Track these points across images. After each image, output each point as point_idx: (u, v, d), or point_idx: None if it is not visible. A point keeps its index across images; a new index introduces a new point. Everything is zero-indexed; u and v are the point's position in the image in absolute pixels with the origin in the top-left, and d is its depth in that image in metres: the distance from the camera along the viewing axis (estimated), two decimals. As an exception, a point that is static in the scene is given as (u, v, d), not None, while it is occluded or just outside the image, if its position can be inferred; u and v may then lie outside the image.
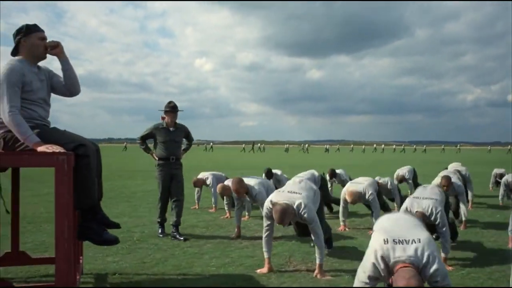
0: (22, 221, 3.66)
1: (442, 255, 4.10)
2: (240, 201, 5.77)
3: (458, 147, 78.63)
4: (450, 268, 4.15)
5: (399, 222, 2.93)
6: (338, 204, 6.52)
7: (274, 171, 8.50)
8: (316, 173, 7.11)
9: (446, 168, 8.99)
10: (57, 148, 2.58)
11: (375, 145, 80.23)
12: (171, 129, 5.56)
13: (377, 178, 7.03)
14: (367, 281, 2.57)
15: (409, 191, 9.02)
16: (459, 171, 8.07)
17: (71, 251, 2.46)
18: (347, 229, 6.19)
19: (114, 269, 4.16)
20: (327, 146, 70.46)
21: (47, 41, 2.97)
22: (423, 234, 2.67)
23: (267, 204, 4.16)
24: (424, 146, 76.68)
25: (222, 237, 5.63)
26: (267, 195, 5.39)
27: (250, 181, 5.60)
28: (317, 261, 4.00)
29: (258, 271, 4.10)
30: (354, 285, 2.67)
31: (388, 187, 7.24)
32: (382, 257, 2.52)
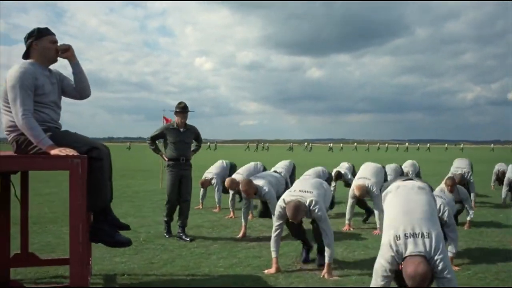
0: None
1: (449, 255, 4.05)
2: (248, 200, 5.81)
3: (462, 146, 78.54)
4: (456, 268, 4.17)
5: (411, 206, 2.95)
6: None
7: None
8: (323, 169, 7.33)
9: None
10: (70, 151, 2.60)
11: (378, 144, 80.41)
12: (181, 130, 5.57)
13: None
14: (389, 274, 2.72)
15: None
16: (462, 175, 7.95)
17: (85, 253, 2.48)
18: (351, 228, 6.21)
19: (123, 269, 4.18)
20: (331, 144, 70.47)
21: (58, 44, 2.99)
22: (434, 229, 2.77)
23: (279, 203, 4.24)
24: (428, 144, 76.70)
25: (228, 237, 5.66)
26: (277, 190, 5.55)
27: (259, 181, 5.67)
28: (326, 260, 4.03)
29: (266, 271, 4.12)
30: (374, 281, 2.79)
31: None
32: (397, 252, 2.68)
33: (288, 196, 4.25)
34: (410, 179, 3.41)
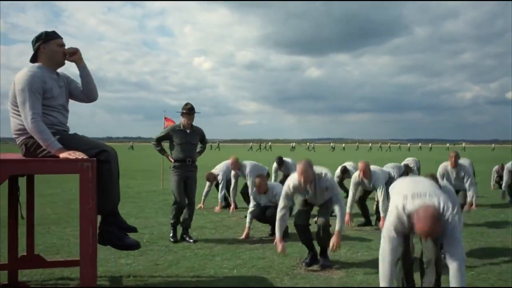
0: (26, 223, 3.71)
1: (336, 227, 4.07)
2: (255, 201, 5.90)
3: (463, 145, 78.63)
4: None
5: (418, 184, 3.08)
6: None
7: (284, 159, 9.19)
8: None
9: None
10: (80, 155, 2.62)
11: (380, 144, 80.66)
12: (187, 131, 5.54)
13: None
14: (394, 235, 2.80)
15: None
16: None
17: (95, 255, 2.50)
18: (351, 223, 6.16)
19: (128, 271, 4.20)
20: (333, 144, 70.62)
21: (66, 47, 3.01)
22: (442, 194, 2.92)
23: (287, 182, 4.38)
24: (430, 144, 76.86)
25: (231, 239, 5.68)
26: None
27: (272, 183, 6.04)
28: (337, 228, 4.21)
29: (278, 249, 4.21)
30: (382, 243, 2.88)
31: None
32: (404, 208, 2.79)
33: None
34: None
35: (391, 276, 2.83)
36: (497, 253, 4.93)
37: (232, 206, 7.49)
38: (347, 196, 6.80)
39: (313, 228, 4.58)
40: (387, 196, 5.25)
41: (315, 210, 4.78)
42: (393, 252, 2.81)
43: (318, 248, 4.58)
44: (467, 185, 6.26)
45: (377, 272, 4.08)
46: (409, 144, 78.13)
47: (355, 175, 6.39)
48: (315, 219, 4.49)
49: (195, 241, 5.42)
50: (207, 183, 8.27)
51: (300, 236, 4.58)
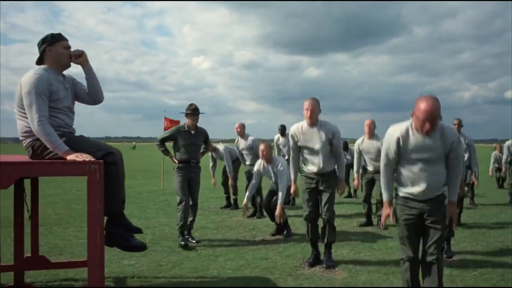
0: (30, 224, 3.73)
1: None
2: (259, 177, 6.00)
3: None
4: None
5: None
6: None
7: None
8: None
9: None
10: (87, 157, 2.63)
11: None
12: (192, 132, 5.48)
13: None
14: (389, 157, 3.06)
15: None
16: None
17: (103, 257, 2.52)
18: (359, 186, 6.86)
19: (132, 272, 4.21)
20: None
21: (72, 50, 3.02)
22: None
23: (290, 130, 4.54)
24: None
25: (233, 239, 5.69)
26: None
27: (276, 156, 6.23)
28: (340, 176, 4.53)
29: (292, 190, 4.69)
30: (381, 167, 3.15)
31: None
32: (400, 125, 3.02)
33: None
34: None
35: (390, 182, 3.15)
36: (498, 253, 4.95)
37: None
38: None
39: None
40: None
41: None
42: (389, 169, 3.11)
43: (320, 248, 4.61)
44: (467, 157, 6.35)
45: (380, 273, 4.16)
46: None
47: (358, 141, 6.61)
48: (321, 213, 4.47)
49: (197, 242, 5.43)
50: (210, 157, 8.43)
51: (308, 231, 4.58)
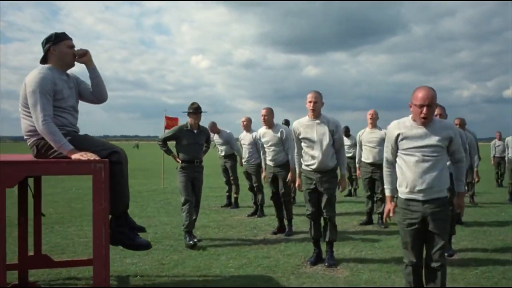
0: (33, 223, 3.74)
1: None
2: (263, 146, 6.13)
3: None
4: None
5: None
6: None
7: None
8: None
9: None
10: (91, 156, 2.63)
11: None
12: (195, 131, 5.45)
13: None
14: (390, 152, 3.13)
15: None
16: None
17: (108, 256, 2.52)
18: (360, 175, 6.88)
19: (134, 271, 4.22)
20: None
21: (76, 49, 3.02)
22: None
23: (293, 125, 4.61)
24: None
25: (235, 238, 5.70)
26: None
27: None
28: (341, 172, 4.60)
29: (296, 183, 4.77)
30: (384, 161, 3.23)
31: None
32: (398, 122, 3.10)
33: None
34: None
35: (392, 177, 3.20)
36: (499, 252, 4.98)
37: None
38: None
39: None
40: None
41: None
42: (392, 164, 3.16)
43: (322, 247, 4.63)
44: (472, 156, 6.44)
45: (382, 271, 4.17)
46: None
47: (360, 132, 6.70)
48: (322, 212, 4.49)
49: (199, 240, 5.42)
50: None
51: (311, 228, 4.59)
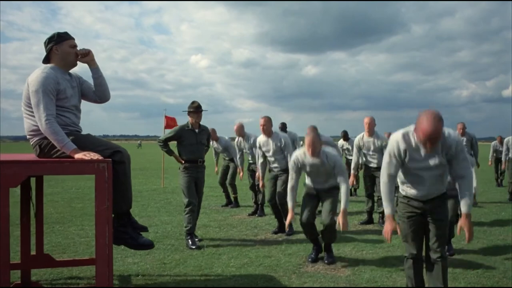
0: (34, 223, 3.74)
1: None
2: (262, 153, 6.08)
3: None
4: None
5: None
6: None
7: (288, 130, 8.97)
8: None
9: None
10: (94, 155, 2.63)
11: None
12: (196, 130, 5.38)
13: None
14: (394, 160, 2.97)
15: None
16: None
17: (112, 256, 2.53)
18: (355, 183, 6.57)
19: (136, 270, 4.22)
20: None
21: (78, 48, 3.02)
22: None
23: (294, 155, 4.59)
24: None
25: (236, 237, 5.71)
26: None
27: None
28: (342, 206, 4.29)
29: (287, 222, 4.61)
30: (382, 170, 3.06)
31: None
32: (401, 133, 2.95)
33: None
34: None
35: (391, 194, 3.04)
36: (499, 251, 4.99)
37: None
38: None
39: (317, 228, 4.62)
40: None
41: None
42: (391, 181, 3.02)
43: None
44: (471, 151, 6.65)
45: (383, 270, 4.18)
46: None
47: (358, 137, 6.62)
48: (321, 217, 4.51)
49: (200, 240, 5.43)
50: (213, 148, 8.47)
51: (306, 233, 4.62)
